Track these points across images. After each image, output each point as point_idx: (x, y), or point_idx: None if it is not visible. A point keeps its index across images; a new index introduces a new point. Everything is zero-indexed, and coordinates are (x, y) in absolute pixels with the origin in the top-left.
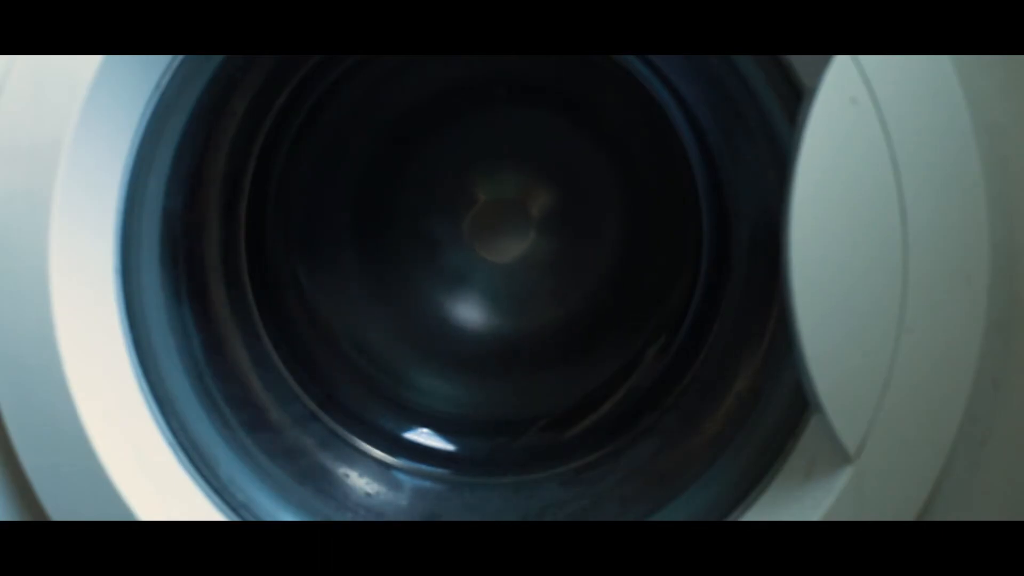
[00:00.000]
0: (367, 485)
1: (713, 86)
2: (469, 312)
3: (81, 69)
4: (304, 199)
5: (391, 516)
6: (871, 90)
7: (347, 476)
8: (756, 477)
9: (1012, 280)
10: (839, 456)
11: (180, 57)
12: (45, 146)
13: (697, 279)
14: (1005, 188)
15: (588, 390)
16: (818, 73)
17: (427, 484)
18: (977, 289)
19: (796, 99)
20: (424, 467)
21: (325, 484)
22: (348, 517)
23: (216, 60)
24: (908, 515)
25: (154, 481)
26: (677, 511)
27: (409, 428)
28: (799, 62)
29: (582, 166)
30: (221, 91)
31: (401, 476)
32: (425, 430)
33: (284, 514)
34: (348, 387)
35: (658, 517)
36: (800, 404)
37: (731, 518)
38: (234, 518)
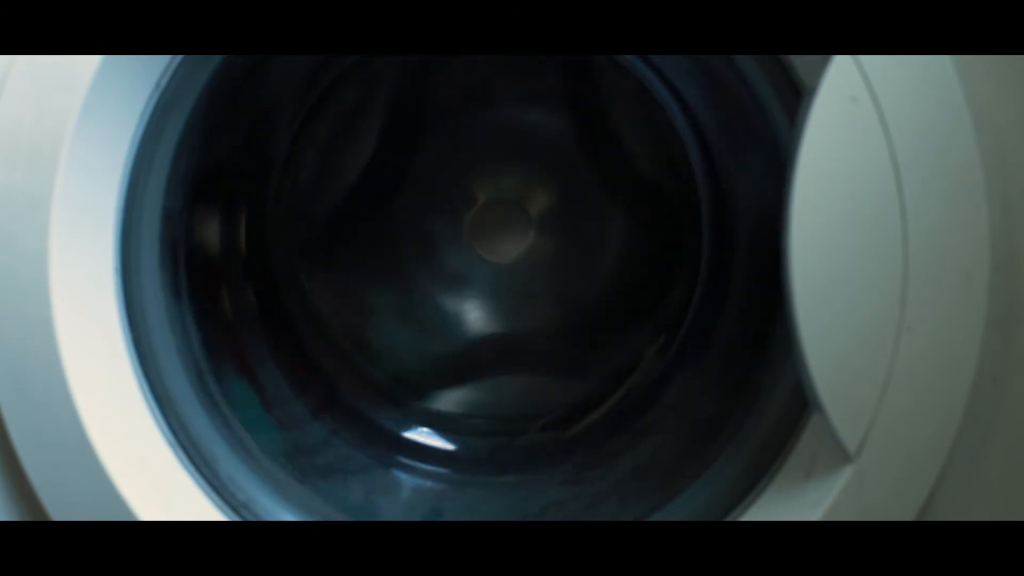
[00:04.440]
0: (367, 485)
1: (713, 86)
2: (469, 312)
3: (81, 69)
4: (304, 198)
5: (391, 516)
6: (871, 90)
7: (347, 476)
8: (756, 477)
9: (1012, 280)
10: (839, 456)
11: (180, 57)
12: (45, 146)
13: (697, 279)
14: (1005, 188)
15: (588, 390)
16: (818, 73)
17: (427, 484)
18: (977, 288)
19: (796, 99)
20: (424, 467)
21: (325, 484)
22: (348, 517)
23: (216, 60)
24: (908, 515)
25: (154, 481)
26: (677, 511)
27: (409, 428)
28: (799, 62)
29: (582, 166)
30: (221, 91)
31: (401, 476)
32: (425, 430)
33: (284, 514)
34: (348, 387)
35: (658, 517)
36: (800, 404)
37: (731, 518)
38: (234, 518)
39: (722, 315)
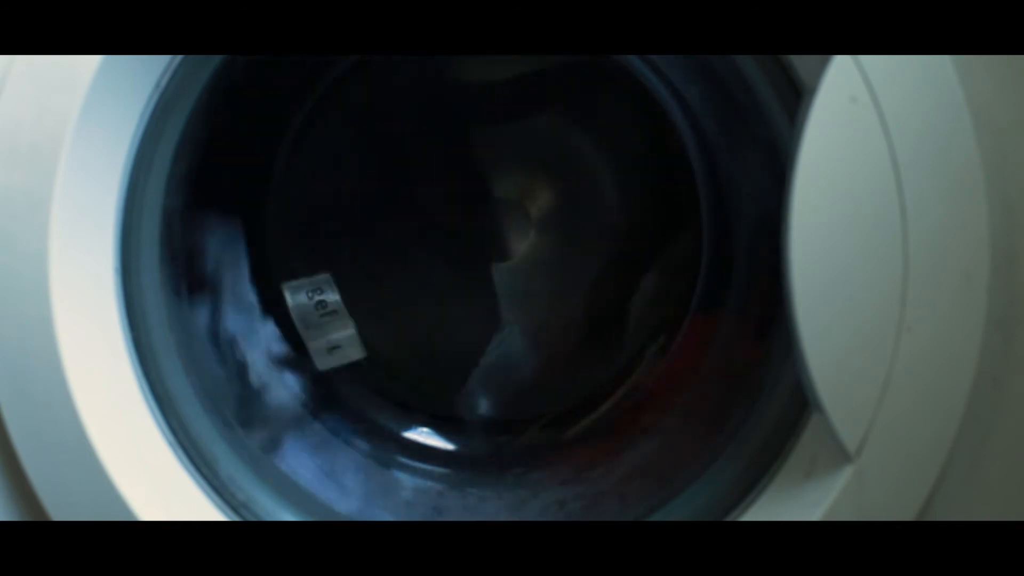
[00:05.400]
0: (367, 485)
1: (713, 86)
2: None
3: (81, 69)
4: (304, 198)
5: (391, 516)
6: (871, 90)
7: (347, 476)
8: (756, 477)
9: (1012, 279)
10: (839, 456)
11: (180, 57)
12: (45, 146)
13: (697, 278)
14: (1005, 188)
15: (588, 389)
16: (818, 73)
17: (427, 484)
18: (977, 288)
19: (796, 99)
20: (424, 467)
21: (325, 484)
22: (348, 517)
23: (216, 60)
24: (908, 515)
25: (154, 481)
26: (677, 510)
27: (409, 428)
28: (799, 62)
29: (582, 166)
30: (221, 90)
31: (401, 476)
32: (425, 430)
33: (284, 514)
34: (348, 387)
35: (658, 517)
36: (800, 404)
37: (731, 518)
38: (234, 518)
39: (722, 315)
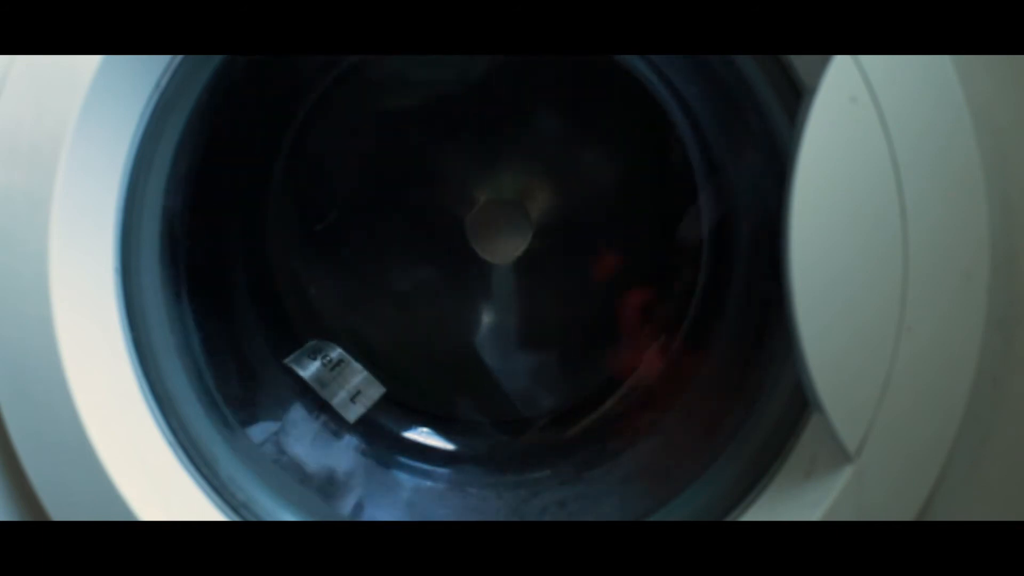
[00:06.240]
0: (367, 485)
1: (713, 86)
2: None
3: (81, 69)
4: (304, 198)
5: (391, 516)
6: (871, 90)
7: (347, 476)
8: (756, 477)
9: (1012, 280)
10: (839, 456)
11: (180, 57)
12: (45, 146)
13: (697, 278)
14: (1005, 188)
15: (588, 390)
16: (818, 73)
17: (427, 484)
18: (977, 288)
19: (796, 99)
20: (424, 467)
21: (325, 484)
22: (348, 517)
23: (216, 60)
24: (908, 515)
25: (154, 481)
26: (677, 511)
27: (409, 428)
28: (799, 62)
29: (582, 166)
30: (221, 91)
31: (401, 476)
32: (425, 430)
33: (284, 514)
34: None
35: (658, 517)
36: (800, 404)
37: (731, 518)
38: (234, 518)
39: (722, 315)
